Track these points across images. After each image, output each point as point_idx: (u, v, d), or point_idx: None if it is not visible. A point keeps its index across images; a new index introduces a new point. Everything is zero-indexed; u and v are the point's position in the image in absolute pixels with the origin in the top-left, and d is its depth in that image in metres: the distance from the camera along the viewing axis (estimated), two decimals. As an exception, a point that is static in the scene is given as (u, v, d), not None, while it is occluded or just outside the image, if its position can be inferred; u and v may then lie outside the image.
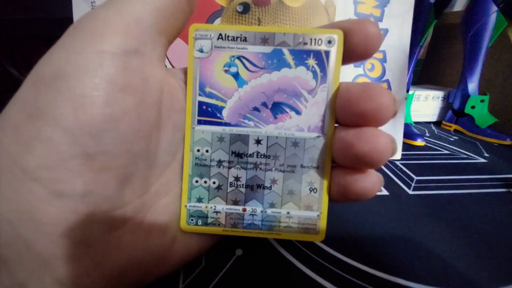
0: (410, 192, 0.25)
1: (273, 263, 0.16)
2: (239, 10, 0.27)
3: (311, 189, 0.13)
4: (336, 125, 0.13)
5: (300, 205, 0.14)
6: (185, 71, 0.14)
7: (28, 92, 0.10)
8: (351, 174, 0.13)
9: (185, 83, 0.13)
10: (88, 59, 0.10)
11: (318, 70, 0.13)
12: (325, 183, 0.13)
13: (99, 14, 0.10)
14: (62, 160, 0.09)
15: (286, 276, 0.15)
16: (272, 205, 0.14)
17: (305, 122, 0.13)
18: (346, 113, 0.12)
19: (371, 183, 0.12)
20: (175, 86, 0.13)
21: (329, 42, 0.13)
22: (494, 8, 0.39)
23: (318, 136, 0.13)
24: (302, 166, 0.13)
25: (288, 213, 0.14)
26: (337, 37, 0.12)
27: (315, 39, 0.13)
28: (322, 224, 0.14)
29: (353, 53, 0.13)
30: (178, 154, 0.14)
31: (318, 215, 0.14)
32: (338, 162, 0.13)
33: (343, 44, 0.12)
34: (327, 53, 0.13)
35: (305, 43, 0.13)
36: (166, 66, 0.13)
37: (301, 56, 0.13)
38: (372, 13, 0.30)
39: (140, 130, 0.11)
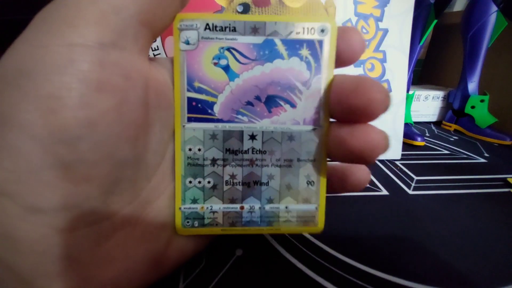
0: (410, 192, 0.25)
1: (273, 263, 0.16)
2: (239, 11, 0.27)
3: (308, 182, 0.13)
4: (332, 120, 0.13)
5: (298, 199, 0.13)
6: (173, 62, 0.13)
7: None
8: (349, 167, 0.14)
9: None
10: (56, 53, 0.08)
11: (312, 60, 0.12)
12: (322, 175, 0.13)
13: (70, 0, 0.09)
14: (33, 172, 0.08)
15: (286, 276, 0.15)
16: (270, 201, 0.13)
17: (301, 115, 0.13)
18: (339, 107, 0.12)
19: (366, 174, 0.14)
20: (161, 80, 0.12)
21: (322, 31, 0.12)
22: (494, 8, 0.39)
23: (314, 129, 0.13)
24: (299, 160, 0.13)
25: (286, 207, 0.13)
26: (329, 25, 0.12)
27: (307, 28, 0.12)
28: (321, 215, 0.14)
29: (337, 59, 0.13)
30: (167, 154, 0.13)
31: (316, 207, 0.14)
32: (333, 157, 0.13)
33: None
34: (321, 42, 0.12)
35: (298, 32, 0.12)
36: (149, 58, 0.12)
37: (294, 46, 0.12)
38: (372, 13, 0.30)
39: (124, 133, 0.10)
